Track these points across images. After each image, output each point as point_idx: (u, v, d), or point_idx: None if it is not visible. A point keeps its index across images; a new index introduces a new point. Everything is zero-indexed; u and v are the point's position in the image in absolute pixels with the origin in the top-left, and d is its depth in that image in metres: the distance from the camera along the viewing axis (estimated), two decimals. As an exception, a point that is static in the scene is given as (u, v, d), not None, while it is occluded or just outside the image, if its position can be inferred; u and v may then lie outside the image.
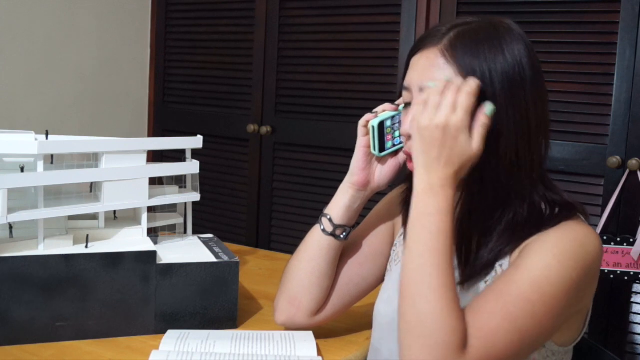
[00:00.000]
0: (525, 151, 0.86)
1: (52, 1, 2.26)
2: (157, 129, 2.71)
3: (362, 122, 1.01)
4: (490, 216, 0.89)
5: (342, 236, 1.05)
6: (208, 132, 2.35)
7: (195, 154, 1.30)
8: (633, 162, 1.80)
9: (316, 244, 1.05)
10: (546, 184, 0.91)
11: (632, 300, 1.85)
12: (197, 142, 1.29)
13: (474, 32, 0.86)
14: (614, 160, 1.81)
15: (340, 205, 1.04)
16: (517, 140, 0.85)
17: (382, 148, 1.00)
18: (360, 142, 1.02)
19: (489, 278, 0.90)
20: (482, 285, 0.90)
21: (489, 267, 0.89)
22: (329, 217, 1.04)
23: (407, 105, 0.92)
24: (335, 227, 1.04)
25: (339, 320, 1.14)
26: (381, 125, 0.98)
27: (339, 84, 2.28)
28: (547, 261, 0.82)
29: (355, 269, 1.09)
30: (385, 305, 1.02)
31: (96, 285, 1.09)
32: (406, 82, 0.91)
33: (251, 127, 2.42)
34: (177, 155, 1.39)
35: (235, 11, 2.49)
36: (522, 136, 0.85)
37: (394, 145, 1.00)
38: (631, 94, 1.81)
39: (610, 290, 1.85)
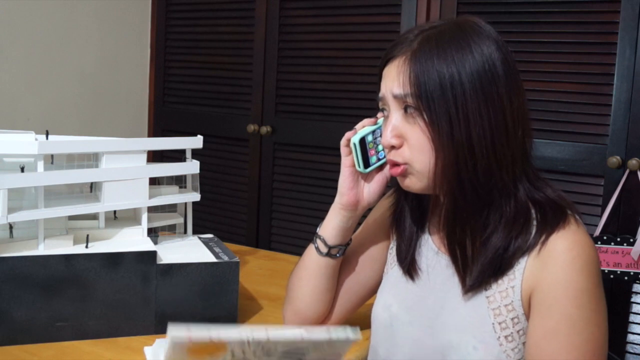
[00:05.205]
0: (503, 147, 0.85)
1: (52, 1, 2.26)
2: (157, 129, 2.71)
3: (343, 141, 1.01)
4: (476, 219, 0.88)
5: (337, 255, 1.06)
6: (208, 132, 2.35)
7: (195, 154, 1.30)
8: (633, 162, 1.80)
9: (314, 264, 1.06)
10: (531, 179, 0.90)
11: (632, 300, 1.85)
12: (197, 142, 1.29)
13: (440, 35, 0.86)
14: (614, 160, 1.81)
15: (332, 226, 1.04)
16: (494, 137, 0.84)
17: (366, 164, 0.99)
18: (345, 161, 1.01)
19: (490, 292, 0.88)
20: (482, 297, 0.89)
21: (489, 274, 0.88)
22: (322, 238, 1.05)
23: (386, 115, 0.92)
24: (330, 247, 1.04)
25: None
26: (362, 141, 0.98)
27: (339, 84, 2.27)
28: (573, 304, 0.83)
29: (353, 277, 1.09)
30: (382, 310, 1.02)
31: (96, 285, 1.09)
32: (381, 93, 0.92)
33: (251, 127, 2.42)
34: (177, 155, 1.39)
35: (235, 11, 2.49)
36: (499, 132, 0.85)
37: (378, 160, 0.99)
38: (631, 94, 1.81)
39: (610, 290, 1.85)
